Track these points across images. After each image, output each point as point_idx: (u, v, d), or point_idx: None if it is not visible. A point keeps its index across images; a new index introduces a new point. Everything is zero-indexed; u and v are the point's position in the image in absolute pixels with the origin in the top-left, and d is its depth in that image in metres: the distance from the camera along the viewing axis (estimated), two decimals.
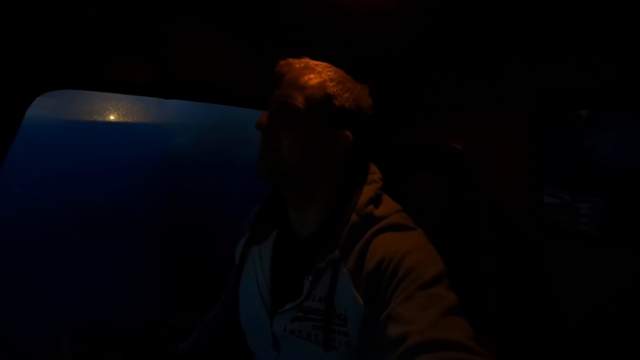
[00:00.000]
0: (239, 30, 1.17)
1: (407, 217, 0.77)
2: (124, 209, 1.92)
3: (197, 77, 1.12)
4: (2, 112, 0.79)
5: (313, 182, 0.76)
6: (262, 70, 1.29)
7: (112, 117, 1.93)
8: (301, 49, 1.33)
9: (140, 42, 0.97)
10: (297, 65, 0.75)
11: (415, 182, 1.36)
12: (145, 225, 2.11)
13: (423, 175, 1.34)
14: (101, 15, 0.88)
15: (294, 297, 0.73)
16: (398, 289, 0.62)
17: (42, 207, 1.76)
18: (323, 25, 1.16)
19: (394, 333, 0.57)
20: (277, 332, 0.75)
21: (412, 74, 1.49)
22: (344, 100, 0.74)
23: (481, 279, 1.24)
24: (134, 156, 1.97)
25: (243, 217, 0.98)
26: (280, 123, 0.72)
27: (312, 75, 0.74)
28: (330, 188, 0.77)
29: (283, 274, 0.79)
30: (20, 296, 1.66)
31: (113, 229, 1.93)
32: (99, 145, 1.84)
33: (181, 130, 2.04)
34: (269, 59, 1.30)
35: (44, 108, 1.72)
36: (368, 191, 0.76)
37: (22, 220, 1.67)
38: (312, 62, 0.76)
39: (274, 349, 0.77)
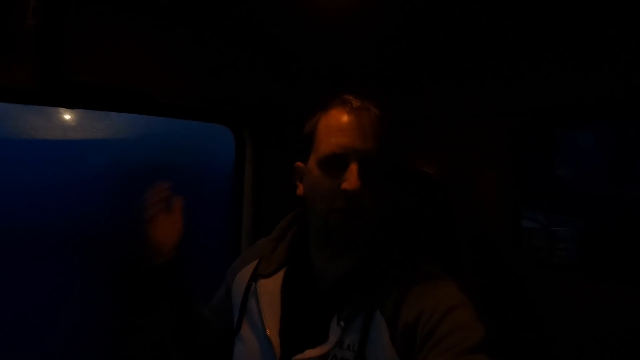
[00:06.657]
0: (169, 24, 0.99)
1: (437, 266, 0.73)
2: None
3: (107, 82, 0.93)
4: None
5: None
6: (203, 75, 1.08)
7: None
8: (254, 51, 1.14)
9: (22, 37, 0.77)
10: (365, 113, 0.71)
11: None
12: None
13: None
14: None
15: (314, 343, 0.67)
16: (436, 348, 0.58)
17: None
18: (285, 25, 0.99)
19: None
20: None
21: (375, 82, 1.32)
22: (396, 140, 0.75)
23: None
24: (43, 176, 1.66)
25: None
26: (365, 183, 0.66)
27: (379, 121, 0.71)
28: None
29: (297, 317, 0.74)
30: None
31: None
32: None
33: (96, 146, 1.79)
34: (210, 61, 1.10)
35: None
36: (401, 233, 0.76)
37: None
38: (365, 104, 0.73)
39: None
